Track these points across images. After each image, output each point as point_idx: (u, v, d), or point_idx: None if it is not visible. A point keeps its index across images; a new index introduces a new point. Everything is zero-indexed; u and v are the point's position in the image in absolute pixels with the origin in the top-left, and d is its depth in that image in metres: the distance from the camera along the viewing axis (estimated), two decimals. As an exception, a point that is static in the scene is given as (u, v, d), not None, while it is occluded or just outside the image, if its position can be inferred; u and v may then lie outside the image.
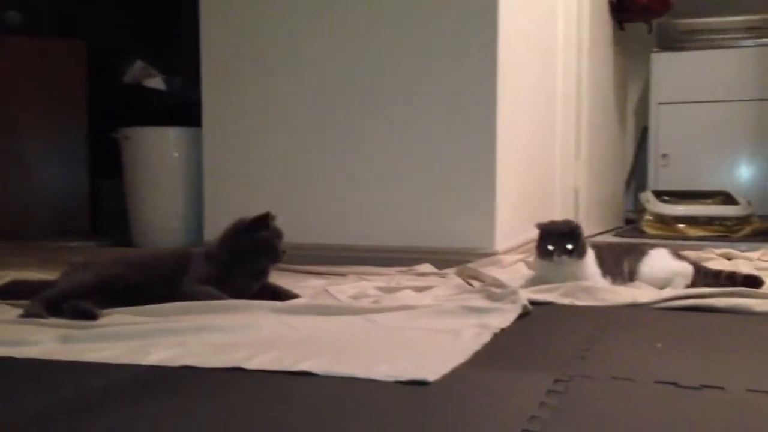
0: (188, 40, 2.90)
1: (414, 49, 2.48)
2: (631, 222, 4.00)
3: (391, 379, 1.11)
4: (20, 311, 1.62)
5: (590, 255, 1.87)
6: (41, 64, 3.86)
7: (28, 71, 3.84)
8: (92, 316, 1.56)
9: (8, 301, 1.75)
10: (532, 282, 1.90)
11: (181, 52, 3.27)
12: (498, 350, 1.31)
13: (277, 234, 1.77)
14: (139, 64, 3.32)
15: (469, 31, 2.40)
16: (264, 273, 1.79)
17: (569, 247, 1.83)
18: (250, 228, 1.76)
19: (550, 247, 1.84)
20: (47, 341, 1.36)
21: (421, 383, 1.09)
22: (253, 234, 1.75)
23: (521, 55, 2.64)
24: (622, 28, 3.86)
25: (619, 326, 1.51)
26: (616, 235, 3.45)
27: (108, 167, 3.55)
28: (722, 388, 1.05)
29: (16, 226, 3.69)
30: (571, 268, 1.84)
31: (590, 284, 1.82)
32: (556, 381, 1.09)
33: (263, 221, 1.76)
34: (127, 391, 1.09)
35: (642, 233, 3.52)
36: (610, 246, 1.97)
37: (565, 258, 1.83)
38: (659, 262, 1.91)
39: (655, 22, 4.10)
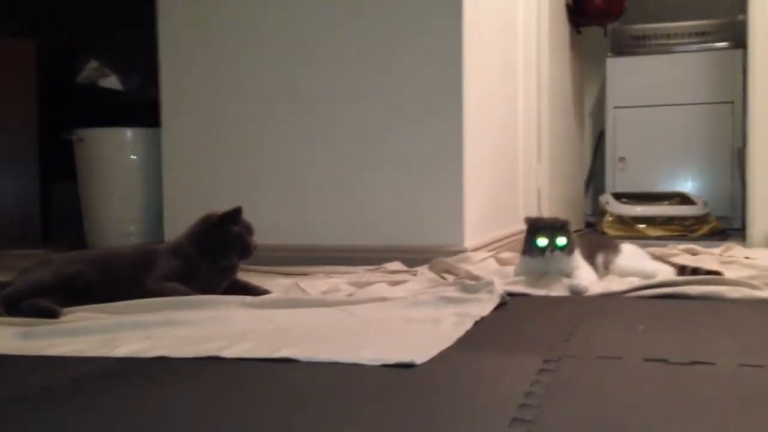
0: (144, 38, 2.83)
1: (381, 49, 2.46)
2: (591, 225, 4.04)
3: (377, 363, 1.07)
4: (-25, 311, 1.53)
5: (575, 249, 1.86)
6: (-13, 66, 3.73)
7: (-25, 74, 3.71)
8: (53, 314, 1.49)
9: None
10: (517, 273, 1.88)
11: (136, 50, 3.19)
12: (481, 336, 1.28)
13: (248, 229, 1.72)
14: (93, 64, 3.22)
15: (435, 34, 2.39)
16: (233, 269, 1.74)
17: (561, 242, 1.79)
18: (221, 222, 1.70)
19: (542, 243, 1.79)
20: (6, 337, 1.29)
21: (407, 366, 1.06)
22: (223, 229, 1.69)
23: (486, 59, 2.64)
24: (578, 32, 3.91)
25: (597, 313, 1.50)
26: (577, 237, 3.47)
27: (60, 171, 3.43)
28: (713, 364, 1.04)
29: (-38, 234, 3.54)
30: (559, 264, 1.81)
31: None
32: (545, 361, 1.07)
33: (234, 216, 1.70)
34: (98, 381, 1.03)
35: (603, 234, 3.55)
36: (582, 240, 1.97)
37: (557, 254, 1.79)
38: (638, 258, 1.91)
39: (609, 27, 4.16)
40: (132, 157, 2.98)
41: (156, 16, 2.70)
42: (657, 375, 1.01)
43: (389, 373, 1.04)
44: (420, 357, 1.08)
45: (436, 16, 2.39)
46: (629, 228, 3.49)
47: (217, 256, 1.69)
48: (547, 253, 1.79)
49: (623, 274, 1.89)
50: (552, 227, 1.82)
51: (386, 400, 0.91)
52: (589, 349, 1.16)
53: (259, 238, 1.84)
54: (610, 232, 3.53)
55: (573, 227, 1.98)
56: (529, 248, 1.83)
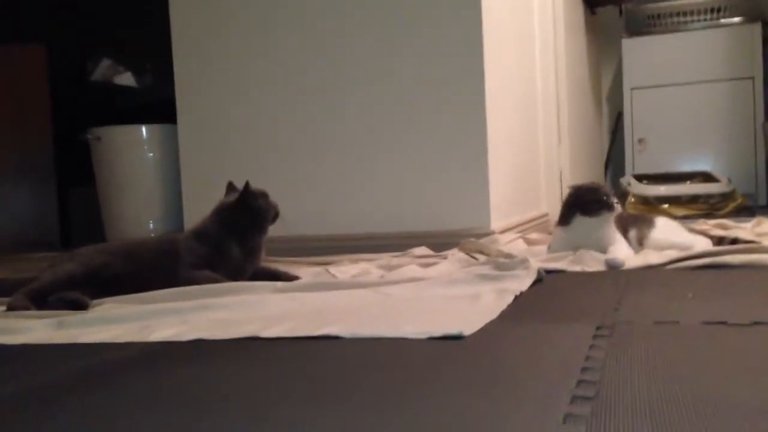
0: (157, 34, 2.80)
1: (402, 34, 2.42)
2: (612, 207, 3.98)
3: (424, 336, 1.03)
4: (2, 308, 1.51)
5: (611, 223, 1.82)
6: (1, 72, 3.70)
7: (-13, 81, 3.69)
8: (83, 306, 1.46)
9: (-13, 300, 1.63)
10: (553, 249, 1.85)
11: (150, 47, 3.16)
12: (524, 310, 1.24)
13: (263, 195, 1.73)
14: (106, 62, 3.20)
15: (456, 20, 2.35)
16: (259, 250, 1.71)
17: (613, 200, 1.80)
18: (242, 201, 1.69)
19: (600, 201, 1.80)
20: (40, 328, 1.26)
21: (455, 338, 1.02)
22: (245, 206, 1.68)
23: (505, 43, 2.60)
24: (593, 13, 3.85)
25: (640, 284, 1.46)
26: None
27: (77, 175, 3.42)
28: (776, 323, 1.00)
29: (-19, 241, 3.53)
30: (597, 233, 1.78)
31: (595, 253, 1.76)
32: (599, 327, 1.03)
33: (248, 192, 1.70)
34: (136, 364, 1.00)
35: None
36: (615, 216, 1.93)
37: (605, 213, 1.79)
38: (674, 231, 1.87)
39: (623, 7, 4.11)
40: (149, 154, 2.95)
41: (169, 13, 2.68)
42: (719, 336, 0.97)
43: (438, 345, 1.00)
44: (467, 329, 1.05)
45: (456, 1, 2.35)
46: (653, 209, 3.43)
47: (247, 234, 1.68)
48: (605, 211, 1.79)
49: (660, 247, 1.84)
50: (600, 189, 1.84)
51: (440, 371, 0.88)
52: (643, 315, 1.12)
53: (281, 229, 1.82)
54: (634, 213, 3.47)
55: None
56: (587, 208, 1.82)
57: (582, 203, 1.83)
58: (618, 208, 1.82)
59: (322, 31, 2.50)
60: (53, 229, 3.76)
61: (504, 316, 1.18)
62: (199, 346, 1.08)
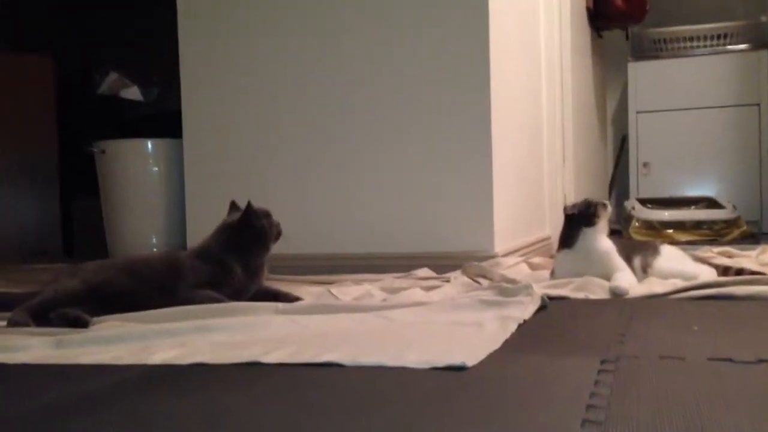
0: (165, 49, 2.81)
1: (409, 55, 2.42)
2: (616, 232, 3.97)
3: (426, 366, 1.02)
4: (3, 323, 1.50)
5: (614, 250, 1.82)
6: (7, 82, 3.71)
7: (-7, 90, 3.70)
8: (83, 324, 1.45)
9: (-12, 314, 1.62)
10: (557, 275, 1.85)
11: (157, 61, 3.17)
12: (528, 339, 1.23)
13: (266, 215, 1.73)
14: (112, 75, 3.21)
15: (462, 39, 2.35)
16: (261, 270, 1.70)
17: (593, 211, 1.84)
18: (245, 221, 1.69)
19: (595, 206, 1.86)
20: (39, 346, 1.25)
21: (458, 369, 1.01)
22: (248, 226, 1.69)
23: (511, 64, 2.60)
24: (599, 36, 3.86)
25: (644, 314, 1.45)
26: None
27: (81, 186, 3.42)
28: (782, 361, 0.99)
29: (-17, 251, 3.52)
30: (598, 260, 1.78)
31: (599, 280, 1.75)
32: (603, 362, 1.02)
33: (251, 211, 1.70)
34: (137, 388, 0.99)
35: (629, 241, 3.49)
36: (619, 243, 1.92)
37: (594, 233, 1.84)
38: (679, 260, 1.86)
39: (629, 31, 4.12)
40: (154, 168, 2.95)
41: (176, 27, 2.69)
42: (725, 374, 0.96)
43: (440, 376, 0.99)
44: (470, 359, 1.04)
45: (462, 18, 2.36)
46: (657, 233, 3.42)
47: (249, 253, 1.68)
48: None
49: (664, 276, 1.83)
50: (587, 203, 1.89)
51: (445, 404, 0.87)
52: (648, 349, 1.11)
53: (283, 247, 1.82)
54: (638, 237, 3.46)
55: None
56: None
57: (584, 216, 1.85)
58: (608, 208, 1.88)
59: (333, 51, 2.50)
60: (56, 238, 3.75)
61: (507, 345, 1.17)
62: (199, 370, 1.07)
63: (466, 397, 0.89)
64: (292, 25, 2.55)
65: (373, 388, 0.95)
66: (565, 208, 1.92)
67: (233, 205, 1.80)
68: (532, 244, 2.74)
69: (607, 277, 1.77)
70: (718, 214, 3.44)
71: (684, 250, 2.18)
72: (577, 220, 1.86)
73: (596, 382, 0.91)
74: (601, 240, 1.85)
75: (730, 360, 1.01)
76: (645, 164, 4.15)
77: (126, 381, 1.02)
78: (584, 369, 0.99)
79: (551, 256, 2.47)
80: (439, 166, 2.38)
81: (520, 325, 1.33)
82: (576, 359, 1.06)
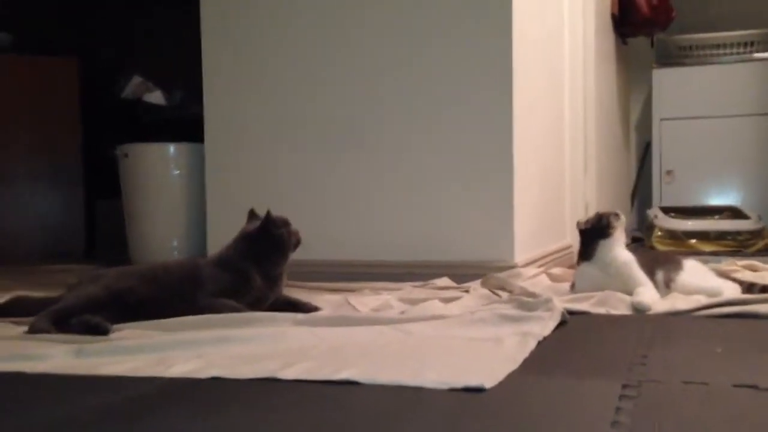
0: (188, 53, 2.82)
1: (430, 63, 2.41)
2: (638, 240, 3.93)
3: (444, 387, 1.01)
4: (24, 329, 1.51)
5: (635, 264, 1.80)
6: (33, 83, 3.76)
7: (19, 90, 3.74)
8: (103, 331, 1.46)
9: (11, 319, 1.64)
10: (577, 289, 1.84)
11: (180, 66, 3.19)
12: (547, 358, 1.22)
13: (285, 223, 1.73)
14: (136, 79, 3.23)
15: (485, 50, 2.33)
16: (280, 279, 1.71)
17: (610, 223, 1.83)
18: (264, 230, 1.69)
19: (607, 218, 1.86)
20: (59, 355, 1.26)
21: (476, 390, 1.00)
22: (269, 235, 1.69)
23: (534, 72, 2.58)
24: (624, 43, 3.82)
25: (667, 333, 1.43)
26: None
27: (104, 187, 3.45)
28: (809, 389, 0.96)
29: (7, 249, 3.56)
30: (617, 273, 1.76)
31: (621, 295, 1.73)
32: (624, 386, 1.00)
33: (271, 220, 1.70)
34: (154, 402, 0.99)
35: (652, 250, 3.45)
36: (642, 256, 1.90)
37: (613, 248, 1.83)
38: (702, 275, 1.84)
39: (655, 37, 4.07)
40: (176, 172, 2.97)
41: (200, 31, 2.70)
42: (749, 402, 0.94)
43: (457, 397, 0.98)
44: (488, 381, 1.03)
45: (485, 25, 2.34)
46: (680, 243, 3.38)
47: (269, 262, 1.68)
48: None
49: (687, 291, 1.80)
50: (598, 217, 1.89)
51: (464, 425, 0.86)
52: (670, 373, 1.09)
53: (304, 253, 1.81)
54: (660, 247, 3.42)
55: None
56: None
57: (598, 229, 1.85)
58: (621, 217, 1.87)
59: (356, 61, 2.49)
60: (78, 239, 3.79)
61: (526, 364, 1.16)
62: (216, 385, 1.07)
63: (483, 421, 0.88)
64: (315, 34, 2.55)
65: (391, 408, 0.94)
66: (578, 224, 1.92)
67: (252, 214, 1.80)
68: (553, 253, 2.72)
69: (628, 291, 1.75)
70: (742, 225, 3.38)
71: (707, 262, 2.16)
72: (591, 234, 1.85)
73: (617, 409, 0.90)
74: (619, 251, 1.83)
75: (756, 387, 0.99)
76: (668, 172, 4.10)
77: (143, 395, 1.02)
78: (605, 394, 0.97)
79: (571, 267, 2.45)
80: (460, 174, 2.37)
81: (539, 342, 1.31)
82: (596, 382, 1.05)
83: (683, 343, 1.34)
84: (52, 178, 3.77)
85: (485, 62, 2.34)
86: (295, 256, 1.81)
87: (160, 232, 2.98)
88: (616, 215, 1.87)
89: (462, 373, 1.07)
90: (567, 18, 3.10)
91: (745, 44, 4.07)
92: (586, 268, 1.85)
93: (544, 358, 1.22)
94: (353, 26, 2.50)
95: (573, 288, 1.88)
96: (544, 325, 1.42)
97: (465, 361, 1.19)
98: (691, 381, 1.03)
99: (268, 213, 1.71)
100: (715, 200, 3.99)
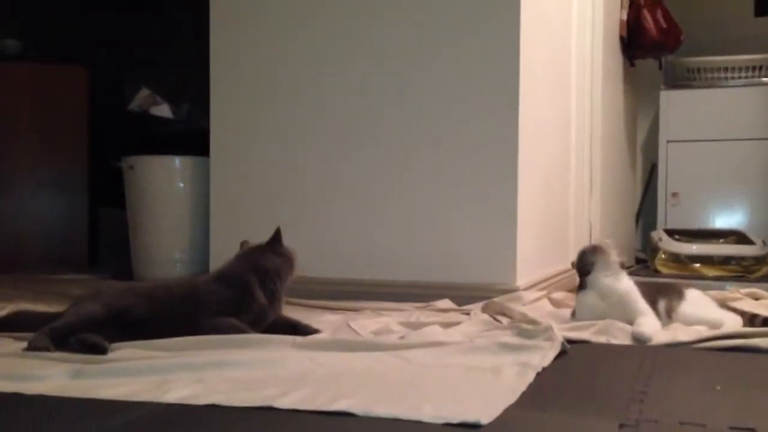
0: (195, 66, 2.84)
1: (434, 82, 2.42)
2: (642, 261, 3.92)
3: (440, 421, 1.01)
4: (24, 344, 1.51)
5: (638, 293, 1.79)
6: (41, 91, 3.78)
7: (27, 97, 3.76)
8: (102, 350, 1.46)
9: (9, 334, 1.64)
10: (577, 317, 1.84)
11: (187, 79, 3.21)
12: (546, 391, 1.21)
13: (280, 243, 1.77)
14: (144, 92, 3.25)
15: (492, 70, 2.34)
16: (281, 296, 1.72)
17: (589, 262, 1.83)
18: (271, 246, 1.72)
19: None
20: (57, 376, 1.26)
21: (472, 426, 1.00)
22: (275, 251, 1.71)
23: (540, 92, 2.59)
24: (632, 65, 3.83)
25: (666, 367, 1.42)
26: (629, 274, 3.36)
27: (109, 197, 3.46)
28: (807, 435, 0.96)
29: (10, 256, 3.58)
30: (618, 302, 1.76)
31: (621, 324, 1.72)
32: (621, 426, 1.00)
33: (278, 238, 1.73)
34: (149, 431, 0.98)
35: (655, 272, 3.44)
36: (644, 285, 1.89)
37: (600, 275, 1.82)
38: (704, 306, 1.83)
39: (662, 59, 4.08)
40: (180, 185, 2.98)
41: (209, 46, 2.71)
42: (746, 446, 0.93)
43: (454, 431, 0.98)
44: (485, 416, 1.02)
45: (492, 45, 2.35)
46: (684, 267, 3.37)
47: (274, 278, 1.70)
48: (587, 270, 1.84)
49: (688, 322, 1.80)
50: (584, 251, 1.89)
51: (456, 467, 0.85)
52: (667, 411, 1.08)
53: (307, 272, 1.82)
54: (664, 270, 3.41)
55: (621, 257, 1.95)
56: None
57: (582, 267, 1.87)
58: (604, 248, 1.85)
59: (360, 79, 2.51)
60: (82, 249, 3.80)
61: (524, 398, 1.15)
62: (212, 413, 1.07)
63: (478, 462, 0.88)
64: (323, 50, 2.56)
65: (385, 444, 0.94)
66: (572, 264, 1.93)
67: (244, 244, 1.81)
68: (555, 276, 2.72)
69: (629, 320, 1.74)
70: (747, 250, 3.37)
71: (710, 287, 2.15)
72: (580, 272, 1.87)
73: (613, 451, 0.89)
74: (617, 280, 1.82)
75: (753, 431, 0.98)
76: (674, 194, 4.10)
77: (138, 422, 1.02)
78: (601, 433, 0.97)
79: (572, 290, 2.44)
80: (463, 195, 2.37)
81: (538, 373, 1.31)
82: (594, 421, 1.04)
83: (682, 378, 1.33)
84: (57, 185, 3.79)
85: (491, 83, 2.34)
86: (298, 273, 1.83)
87: (164, 245, 2.99)
88: (594, 249, 1.87)
89: (459, 406, 1.07)
90: (575, 40, 3.11)
91: (754, 68, 4.08)
92: (586, 296, 1.84)
93: (542, 391, 1.21)
94: (359, 44, 2.51)
95: (573, 316, 1.88)
96: (543, 356, 1.42)
97: (462, 392, 1.18)
98: (688, 422, 1.02)
99: (278, 229, 1.73)
100: (721, 223, 3.98)
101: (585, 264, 1.84)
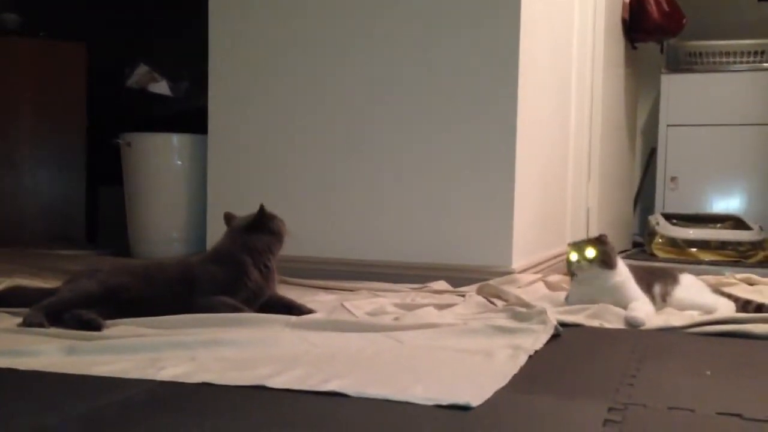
0: (194, 44, 2.82)
1: (434, 64, 2.40)
2: (639, 245, 3.93)
3: (430, 403, 1.02)
4: (18, 320, 1.52)
5: (629, 277, 1.79)
6: (39, 66, 3.76)
7: (26, 73, 3.74)
8: (96, 327, 1.47)
9: (5, 309, 1.65)
10: (570, 302, 1.83)
11: (186, 56, 3.19)
12: (537, 374, 1.22)
13: (272, 217, 1.76)
14: (143, 68, 3.23)
15: (491, 53, 2.33)
16: (274, 272, 1.74)
17: (590, 254, 1.77)
18: (260, 223, 1.72)
19: (572, 257, 1.80)
20: (51, 352, 1.27)
21: (463, 408, 1.00)
22: (265, 227, 1.72)
23: (540, 75, 2.57)
24: (634, 48, 3.81)
25: (658, 351, 1.43)
26: (625, 258, 3.37)
27: (107, 174, 3.45)
28: (794, 422, 0.97)
29: (9, 232, 3.58)
30: (610, 291, 1.76)
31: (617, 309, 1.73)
32: (610, 409, 1.01)
33: (265, 215, 1.73)
34: (141, 411, 0.99)
35: (652, 256, 3.45)
36: (639, 270, 1.89)
37: (585, 264, 1.77)
38: (697, 291, 1.83)
39: (665, 43, 4.06)
40: (178, 162, 2.97)
41: (207, 24, 2.69)
42: (733, 432, 0.94)
43: (443, 414, 0.98)
44: (475, 398, 1.03)
45: (492, 28, 2.33)
46: (681, 251, 3.38)
47: (266, 254, 1.71)
48: (577, 264, 1.79)
49: (682, 307, 1.80)
50: (581, 242, 1.83)
51: (444, 449, 0.86)
52: (657, 396, 1.09)
53: (301, 249, 1.83)
54: (660, 254, 3.42)
55: (618, 246, 1.93)
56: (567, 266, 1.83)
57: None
58: (611, 261, 1.79)
59: (360, 59, 2.49)
60: (80, 225, 3.80)
61: (515, 381, 1.16)
62: (204, 391, 1.08)
63: (467, 444, 0.89)
64: (323, 28, 2.54)
65: (376, 424, 0.95)
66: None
67: (228, 216, 1.81)
68: (551, 258, 2.72)
69: (623, 305, 1.74)
70: (743, 236, 3.38)
71: (706, 272, 2.15)
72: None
73: (600, 435, 0.90)
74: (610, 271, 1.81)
75: (740, 416, 0.99)
76: (673, 178, 4.09)
77: (131, 399, 1.03)
78: (590, 417, 0.98)
79: (567, 273, 2.45)
80: (461, 177, 2.37)
81: (530, 356, 1.32)
82: (583, 404, 1.05)
83: (673, 362, 1.34)
84: (56, 162, 3.78)
85: (490, 65, 2.33)
86: (292, 252, 1.83)
87: (161, 222, 2.99)
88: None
89: (450, 388, 1.08)
90: (577, 21, 3.09)
91: (756, 53, 4.05)
92: (580, 282, 1.83)
93: (533, 374, 1.22)
94: (361, 26, 2.49)
95: (567, 301, 1.88)
96: (536, 339, 1.42)
97: (454, 375, 1.19)
98: (676, 407, 1.03)
99: (262, 207, 1.72)
100: (718, 208, 3.98)
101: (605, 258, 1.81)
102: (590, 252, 1.78)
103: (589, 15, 3.18)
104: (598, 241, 1.80)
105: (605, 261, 1.77)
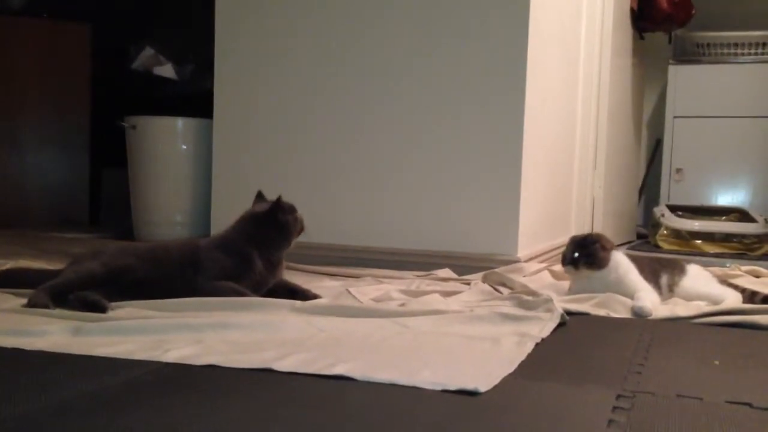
0: (200, 27, 2.81)
1: (440, 53, 2.39)
2: (643, 236, 3.92)
3: (438, 388, 1.01)
4: (23, 301, 1.52)
5: (630, 269, 1.78)
6: (44, 47, 3.74)
7: (30, 54, 3.72)
8: (101, 309, 1.46)
9: (9, 290, 1.65)
10: (577, 290, 1.83)
11: (192, 40, 3.17)
12: (544, 361, 1.22)
13: (291, 209, 1.73)
14: (148, 51, 3.21)
15: (499, 43, 2.31)
16: (281, 263, 1.71)
17: (576, 255, 1.78)
18: (271, 214, 1.69)
19: (566, 255, 1.81)
20: (57, 332, 1.26)
21: (471, 393, 1.00)
22: (274, 220, 1.69)
23: (548, 65, 2.56)
24: (642, 37, 3.78)
25: (665, 340, 1.42)
26: (629, 249, 3.36)
27: (111, 156, 3.44)
28: (804, 412, 0.96)
29: (12, 214, 3.58)
30: (618, 281, 1.75)
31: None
32: (618, 397, 1.00)
33: (280, 206, 1.70)
34: (148, 390, 0.99)
35: (656, 248, 3.44)
36: (646, 260, 1.88)
37: (571, 269, 1.79)
38: (704, 281, 1.82)
39: (673, 33, 4.03)
40: (182, 146, 2.96)
41: (214, 7, 2.68)
42: (741, 420, 0.93)
43: (452, 399, 0.98)
44: (483, 384, 1.02)
45: (501, 20, 2.32)
46: (685, 243, 3.37)
47: (273, 248, 1.68)
48: (569, 267, 1.79)
49: (688, 297, 1.80)
50: (576, 241, 1.81)
51: (456, 429, 0.85)
52: (665, 384, 1.09)
53: (309, 236, 1.81)
54: (665, 246, 3.41)
55: (622, 237, 1.91)
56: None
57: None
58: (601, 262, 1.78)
59: (367, 45, 2.48)
60: (83, 207, 3.80)
61: (522, 368, 1.15)
62: (211, 373, 1.08)
63: (475, 426, 0.88)
64: (332, 13, 2.53)
65: (383, 408, 0.94)
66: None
67: (260, 195, 1.80)
68: (557, 248, 2.71)
69: (629, 296, 1.74)
70: (749, 228, 3.36)
71: (710, 264, 2.14)
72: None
73: (609, 422, 0.90)
74: (615, 260, 1.80)
75: (750, 405, 0.98)
76: (678, 170, 4.07)
77: (138, 380, 1.03)
78: (598, 404, 0.97)
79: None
80: (467, 166, 2.36)
81: (537, 344, 1.31)
82: (591, 391, 1.04)
83: (681, 352, 1.33)
84: (60, 144, 3.77)
85: (499, 55, 2.32)
86: (299, 238, 1.82)
87: (165, 206, 2.99)
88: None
89: (457, 374, 1.07)
90: (585, 11, 3.07)
91: (764, 45, 4.03)
92: (579, 280, 1.82)
93: (540, 361, 1.21)
94: (370, 13, 2.48)
95: (570, 291, 1.87)
96: (542, 327, 1.42)
97: (461, 361, 1.19)
98: (685, 395, 1.02)
99: (279, 198, 1.70)
100: (724, 200, 3.97)
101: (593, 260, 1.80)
102: (575, 258, 1.78)
103: (598, 4, 3.15)
104: (584, 244, 1.79)
105: (591, 263, 1.77)
